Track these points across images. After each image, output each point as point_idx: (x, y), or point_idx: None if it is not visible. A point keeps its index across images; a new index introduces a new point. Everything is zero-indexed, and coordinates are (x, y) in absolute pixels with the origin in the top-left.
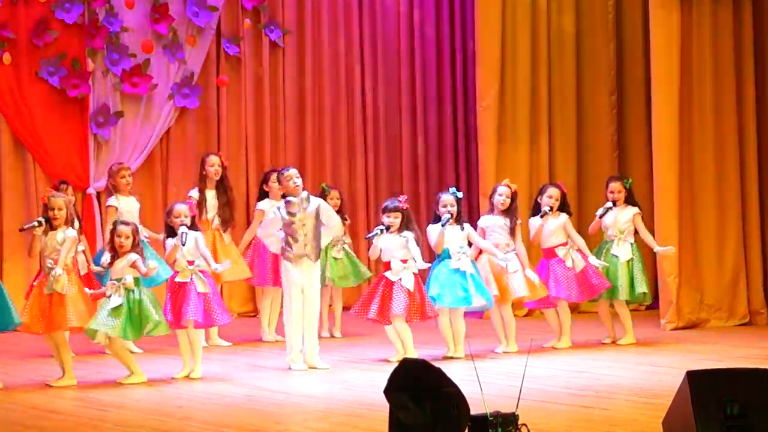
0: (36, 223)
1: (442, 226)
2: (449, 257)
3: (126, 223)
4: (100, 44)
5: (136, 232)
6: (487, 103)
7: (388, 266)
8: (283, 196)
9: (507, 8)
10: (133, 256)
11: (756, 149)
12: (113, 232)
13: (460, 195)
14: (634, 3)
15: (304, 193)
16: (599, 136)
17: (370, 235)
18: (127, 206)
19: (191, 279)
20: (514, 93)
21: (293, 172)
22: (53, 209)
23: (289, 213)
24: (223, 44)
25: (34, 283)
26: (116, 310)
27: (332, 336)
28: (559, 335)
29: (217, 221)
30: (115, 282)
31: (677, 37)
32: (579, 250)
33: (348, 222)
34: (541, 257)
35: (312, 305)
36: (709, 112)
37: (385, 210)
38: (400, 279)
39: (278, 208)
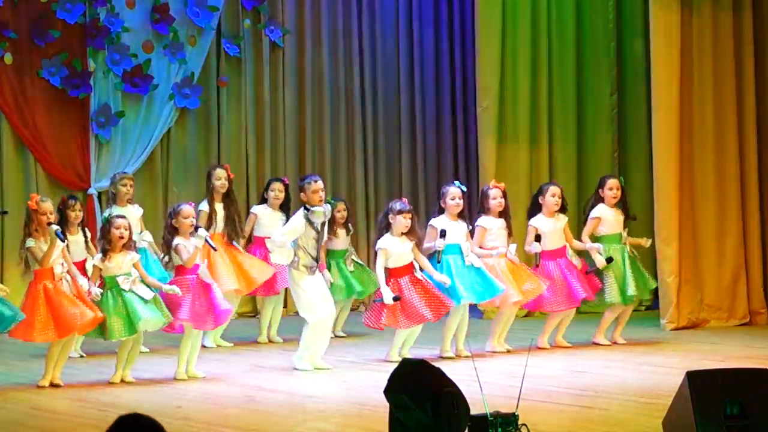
0: (57, 235)
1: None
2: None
3: (122, 216)
4: (101, 44)
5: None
6: (487, 103)
7: (400, 271)
8: (306, 207)
9: (507, 8)
10: (137, 256)
11: (756, 149)
12: (110, 224)
13: (464, 188)
14: (634, 3)
15: (327, 206)
16: (599, 136)
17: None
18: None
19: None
20: (514, 93)
21: (320, 184)
22: (45, 214)
23: (312, 223)
24: (223, 44)
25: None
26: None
27: (335, 336)
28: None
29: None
30: (126, 277)
31: (677, 37)
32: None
33: (352, 232)
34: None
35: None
36: (709, 113)
37: (401, 212)
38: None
39: (304, 218)
